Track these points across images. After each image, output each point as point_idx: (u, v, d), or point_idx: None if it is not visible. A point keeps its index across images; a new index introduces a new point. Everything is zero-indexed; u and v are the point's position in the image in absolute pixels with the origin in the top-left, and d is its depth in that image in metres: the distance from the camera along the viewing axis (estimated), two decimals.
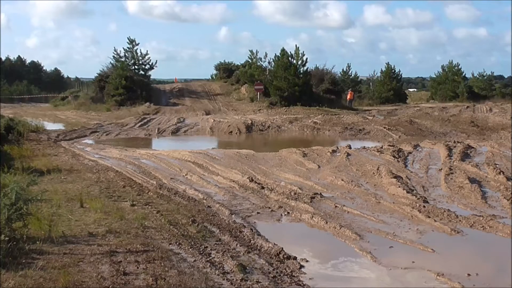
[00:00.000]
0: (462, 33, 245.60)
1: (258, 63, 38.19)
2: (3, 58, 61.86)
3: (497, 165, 12.01)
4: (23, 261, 5.37)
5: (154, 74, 43.73)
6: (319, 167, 12.36)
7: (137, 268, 5.42)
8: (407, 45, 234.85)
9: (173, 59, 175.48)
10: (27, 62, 67.45)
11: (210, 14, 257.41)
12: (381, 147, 15.45)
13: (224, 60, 45.54)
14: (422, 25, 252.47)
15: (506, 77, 74.16)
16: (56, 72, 72.62)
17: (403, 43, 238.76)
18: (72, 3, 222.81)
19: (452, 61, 49.31)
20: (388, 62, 50.54)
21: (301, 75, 34.42)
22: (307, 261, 6.12)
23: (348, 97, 37.61)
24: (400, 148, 15.01)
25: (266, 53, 42.02)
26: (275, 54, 36.07)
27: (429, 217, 7.83)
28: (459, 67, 48.37)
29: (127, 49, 39.90)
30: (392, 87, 45.63)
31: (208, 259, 5.86)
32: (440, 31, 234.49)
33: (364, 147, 15.63)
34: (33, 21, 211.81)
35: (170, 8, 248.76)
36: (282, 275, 5.54)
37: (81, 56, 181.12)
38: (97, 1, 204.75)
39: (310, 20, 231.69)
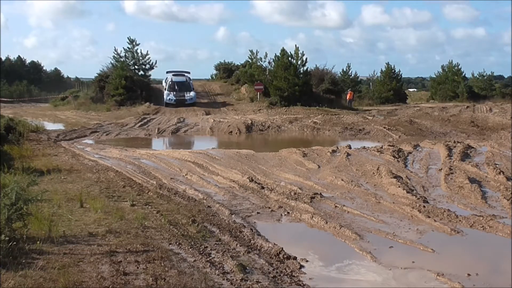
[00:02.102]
0: (461, 33, 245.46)
1: (258, 63, 38.19)
2: (3, 58, 61.90)
3: (497, 165, 12.01)
4: (23, 261, 5.37)
5: (154, 74, 43.43)
6: (319, 167, 12.36)
7: (137, 268, 5.42)
8: (405, 45, 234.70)
9: (172, 59, 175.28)
10: (27, 62, 67.47)
11: (208, 14, 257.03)
12: (381, 147, 15.45)
13: (224, 60, 45.59)
14: (420, 25, 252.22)
15: (506, 77, 74.21)
16: (56, 72, 72.59)
17: (401, 43, 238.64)
18: (69, 3, 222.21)
19: (452, 61, 49.38)
20: (388, 62, 50.62)
21: (301, 75, 34.42)
22: (307, 261, 6.12)
23: (348, 97, 37.71)
24: (400, 148, 15.01)
25: (266, 53, 42.07)
26: (275, 54, 36.12)
27: (429, 217, 7.83)
28: (459, 67, 48.42)
29: (127, 49, 39.93)
30: (392, 87, 45.63)
31: (208, 259, 5.86)
32: (438, 31, 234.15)
33: (364, 147, 15.63)
34: (31, 21, 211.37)
35: (168, 8, 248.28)
36: (282, 275, 5.54)
37: (80, 56, 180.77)
38: (95, 1, 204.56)
39: (308, 20, 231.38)
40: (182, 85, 32.68)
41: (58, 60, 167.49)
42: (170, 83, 32.93)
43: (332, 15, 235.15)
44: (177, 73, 34.58)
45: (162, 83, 36.57)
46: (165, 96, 31.79)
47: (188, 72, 35.50)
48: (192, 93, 32.37)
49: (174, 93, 31.68)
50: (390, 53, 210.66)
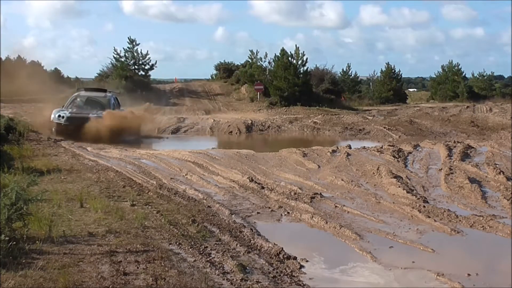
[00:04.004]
0: (459, 33, 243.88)
1: (258, 63, 38.23)
2: (3, 58, 61.88)
3: (497, 165, 12.01)
4: (23, 261, 5.36)
5: (153, 74, 43.41)
6: (319, 167, 12.36)
7: (137, 268, 5.42)
8: (404, 45, 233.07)
9: (171, 59, 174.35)
10: (27, 62, 67.43)
11: (206, 14, 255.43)
12: (381, 147, 15.46)
13: (224, 60, 45.64)
14: (418, 25, 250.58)
15: (506, 77, 74.25)
16: (56, 72, 72.59)
17: (400, 43, 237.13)
18: (67, 3, 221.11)
19: (452, 61, 49.48)
20: (388, 62, 50.73)
21: (301, 75, 34.49)
22: (307, 261, 6.12)
23: (342, 99, 38.37)
24: (400, 148, 15.01)
25: (266, 53, 42.07)
26: (275, 54, 36.23)
27: (429, 217, 7.83)
28: (459, 67, 48.49)
29: (127, 49, 39.99)
30: (392, 87, 45.73)
31: (208, 259, 5.86)
32: (437, 31, 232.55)
33: (364, 147, 15.63)
34: (29, 21, 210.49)
35: (166, 8, 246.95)
36: (282, 275, 5.54)
37: (79, 56, 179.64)
38: (93, 1, 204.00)
39: (307, 20, 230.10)
40: (94, 102, 20.85)
41: (58, 60, 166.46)
42: (75, 97, 21.22)
43: (331, 15, 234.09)
44: (95, 89, 23.17)
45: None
46: (52, 114, 19.62)
47: (118, 92, 25.61)
48: (102, 112, 19.56)
49: (73, 109, 20.08)
50: (389, 53, 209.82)
